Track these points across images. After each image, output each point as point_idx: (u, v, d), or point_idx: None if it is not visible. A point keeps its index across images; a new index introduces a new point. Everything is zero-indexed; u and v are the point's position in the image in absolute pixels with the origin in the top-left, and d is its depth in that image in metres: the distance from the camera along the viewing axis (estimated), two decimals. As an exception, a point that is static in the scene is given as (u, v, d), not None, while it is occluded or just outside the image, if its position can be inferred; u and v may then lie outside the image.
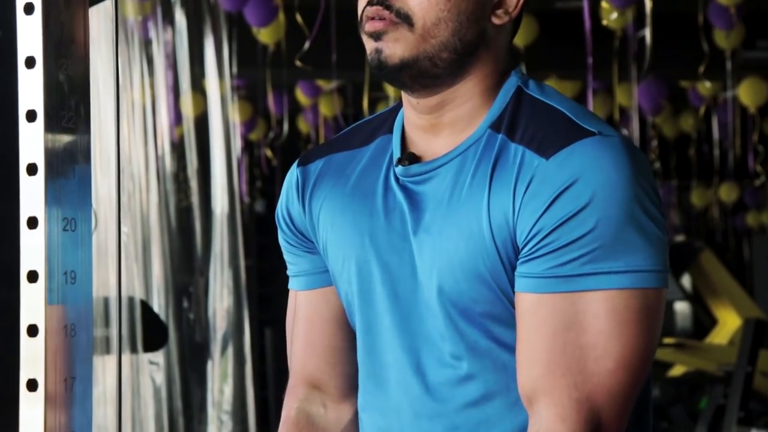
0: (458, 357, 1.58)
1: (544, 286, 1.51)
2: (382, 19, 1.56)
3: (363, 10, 1.58)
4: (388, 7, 1.56)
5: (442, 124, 1.61)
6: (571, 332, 1.50)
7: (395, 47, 1.56)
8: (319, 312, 1.73)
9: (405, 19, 1.56)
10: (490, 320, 1.56)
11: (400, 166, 1.62)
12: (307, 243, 1.72)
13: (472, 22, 1.57)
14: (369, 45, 1.58)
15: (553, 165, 1.51)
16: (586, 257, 1.49)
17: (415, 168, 1.61)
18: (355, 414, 1.73)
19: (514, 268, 1.54)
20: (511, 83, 1.61)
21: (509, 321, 1.56)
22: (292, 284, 1.77)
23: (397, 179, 1.62)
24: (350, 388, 1.73)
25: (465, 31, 1.57)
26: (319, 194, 1.69)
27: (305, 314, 1.75)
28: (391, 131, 1.68)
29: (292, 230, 1.73)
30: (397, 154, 1.64)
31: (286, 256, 1.76)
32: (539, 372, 1.50)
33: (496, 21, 1.60)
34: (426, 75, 1.57)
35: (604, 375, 1.49)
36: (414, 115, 1.63)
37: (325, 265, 1.71)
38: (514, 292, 1.54)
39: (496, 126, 1.58)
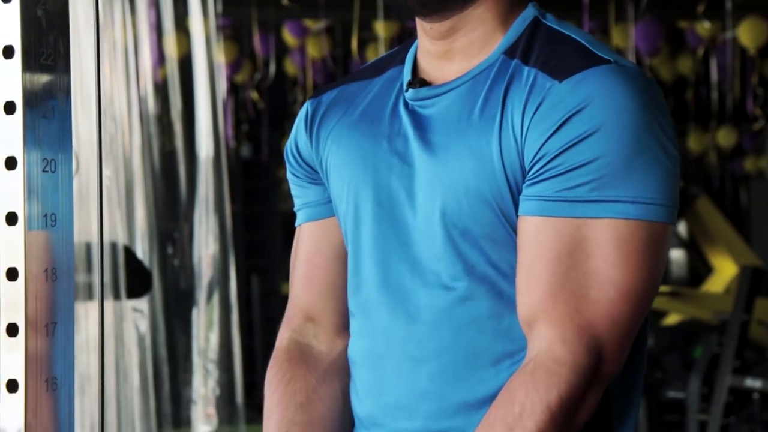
0: (456, 278, 1.59)
1: (549, 209, 1.52)
2: None
3: None
4: None
5: (454, 51, 1.63)
6: (575, 257, 1.51)
7: None
8: (319, 247, 1.76)
9: None
10: (490, 243, 1.58)
11: (410, 90, 1.65)
12: (312, 174, 1.75)
13: None
14: None
15: (566, 88, 1.53)
16: (594, 183, 1.50)
17: (424, 91, 1.63)
18: (347, 348, 1.75)
19: (519, 192, 1.55)
20: (528, 13, 1.63)
21: (509, 247, 1.57)
22: (297, 220, 1.80)
23: (405, 104, 1.65)
24: (344, 323, 1.75)
25: None
26: (328, 123, 1.72)
27: (306, 248, 1.77)
28: (403, 63, 1.70)
29: (299, 162, 1.76)
30: (407, 78, 1.67)
31: (293, 190, 1.79)
32: (541, 295, 1.52)
33: None
34: (436, 2, 1.59)
35: (606, 302, 1.51)
36: (428, 41, 1.65)
37: (328, 197, 1.73)
38: (517, 217, 1.56)
39: (510, 52, 1.60)
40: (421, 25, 1.65)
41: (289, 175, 1.79)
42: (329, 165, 1.70)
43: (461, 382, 1.60)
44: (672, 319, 8.08)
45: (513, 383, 1.53)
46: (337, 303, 1.74)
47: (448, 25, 1.62)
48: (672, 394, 7.00)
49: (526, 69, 1.57)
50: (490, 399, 1.57)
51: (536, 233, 1.53)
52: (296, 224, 1.80)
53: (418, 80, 1.65)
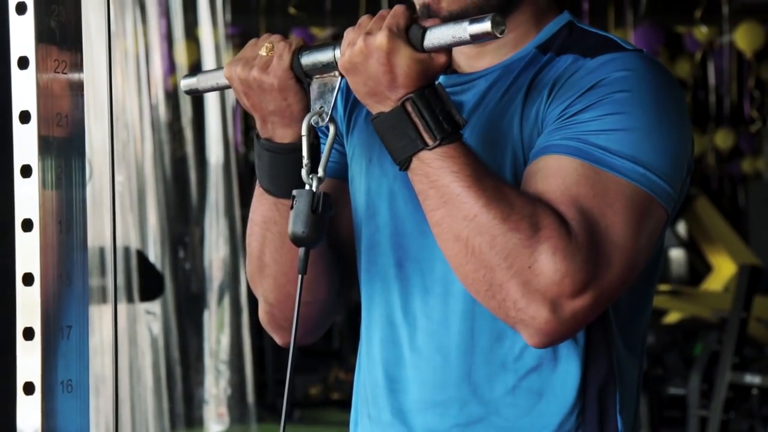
0: None
1: (560, 148, 1.50)
2: None
3: None
4: None
5: (487, 51, 1.65)
6: (585, 188, 1.49)
7: (444, 2, 1.58)
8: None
9: None
10: None
11: (441, 77, 1.63)
12: (339, 140, 1.75)
13: None
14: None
15: (597, 62, 1.55)
16: (608, 135, 1.50)
17: (455, 77, 1.65)
18: (333, 261, 1.72)
19: None
20: (563, 17, 1.66)
21: None
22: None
23: None
24: (330, 259, 1.73)
25: None
26: (361, 105, 1.70)
27: None
28: None
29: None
30: None
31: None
32: (555, 198, 1.48)
33: None
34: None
35: (611, 244, 1.48)
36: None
37: (343, 162, 1.73)
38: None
39: (543, 48, 1.62)
40: None
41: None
42: (354, 142, 1.71)
43: (468, 355, 1.59)
44: (672, 318, 8.07)
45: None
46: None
47: None
48: (673, 390, 6.98)
49: (559, 57, 1.59)
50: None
51: (543, 166, 1.51)
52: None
53: (449, 69, 1.65)
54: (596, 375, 1.59)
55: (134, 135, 5.12)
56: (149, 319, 5.23)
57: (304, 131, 1.50)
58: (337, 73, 1.50)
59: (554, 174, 1.50)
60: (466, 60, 1.67)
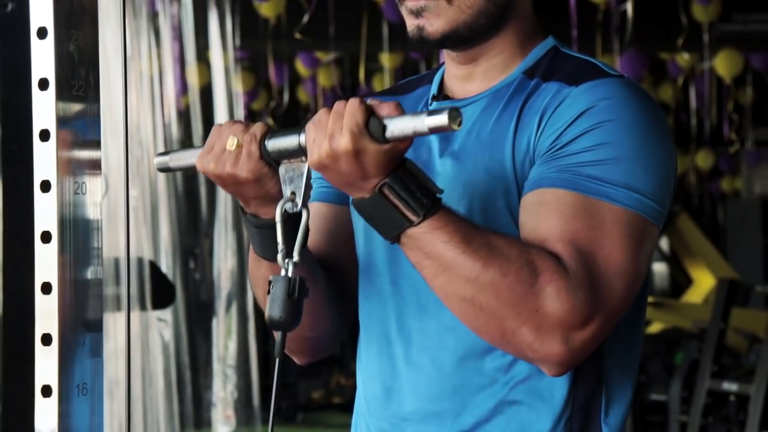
0: None
1: (555, 181, 1.50)
2: None
3: None
4: None
5: (477, 73, 1.65)
6: (580, 223, 1.48)
7: (437, 23, 1.59)
8: (321, 222, 1.72)
9: None
10: None
11: (434, 103, 1.66)
12: None
13: None
14: (410, 21, 1.61)
15: (581, 90, 1.54)
16: (599, 166, 1.49)
17: (447, 104, 1.64)
18: (333, 282, 1.71)
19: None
20: (548, 42, 1.65)
21: None
22: (311, 197, 1.74)
23: None
24: (332, 272, 1.72)
25: None
26: None
27: (312, 220, 1.74)
28: (431, 83, 1.71)
29: None
30: (433, 92, 1.68)
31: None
32: (551, 239, 1.47)
33: None
34: (465, 41, 1.61)
35: (609, 274, 1.48)
36: (453, 66, 1.67)
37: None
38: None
39: (529, 72, 1.62)
40: (448, 53, 1.67)
41: None
42: None
43: (460, 368, 1.59)
44: (655, 328, 8.06)
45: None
46: (329, 254, 1.71)
47: (472, 54, 1.64)
48: (655, 396, 6.98)
49: (546, 84, 1.59)
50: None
51: (541, 201, 1.50)
52: (309, 200, 1.79)
53: (442, 95, 1.67)
54: (583, 385, 1.58)
55: (148, 152, 5.12)
56: (161, 326, 5.22)
57: (277, 218, 1.45)
58: (304, 158, 1.45)
59: (551, 209, 1.49)
60: (457, 83, 1.67)
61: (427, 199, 1.43)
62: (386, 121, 1.39)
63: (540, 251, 1.46)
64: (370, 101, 1.43)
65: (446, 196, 1.56)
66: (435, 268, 1.46)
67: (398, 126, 1.38)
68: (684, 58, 8.70)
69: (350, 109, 1.41)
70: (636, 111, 1.53)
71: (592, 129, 1.51)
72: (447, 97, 1.66)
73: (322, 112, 1.44)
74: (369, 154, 1.40)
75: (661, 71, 9.76)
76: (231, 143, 1.48)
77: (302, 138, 1.44)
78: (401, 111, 1.41)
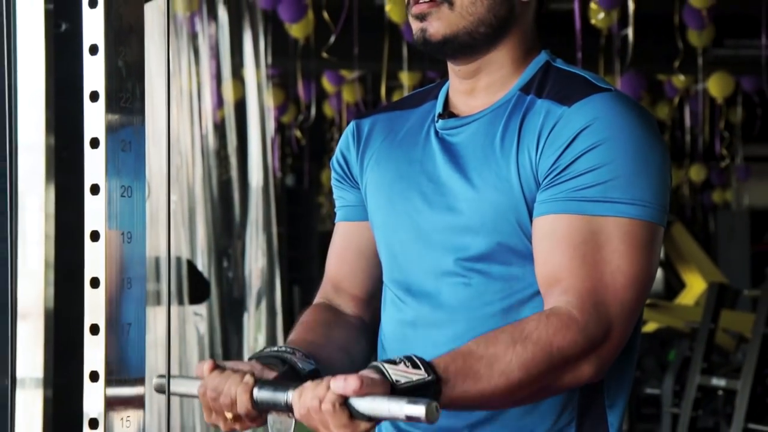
0: (478, 275, 1.58)
1: (562, 207, 1.50)
2: (426, 1, 1.59)
3: None
4: None
5: (479, 88, 1.64)
6: (589, 246, 1.49)
7: (438, 26, 1.59)
8: (350, 241, 1.75)
9: None
10: (507, 251, 1.57)
11: (440, 121, 1.65)
12: (354, 182, 1.75)
13: (504, 1, 1.60)
14: (415, 25, 1.61)
15: (574, 110, 1.53)
16: (602, 186, 1.49)
17: (452, 121, 1.64)
18: (366, 318, 1.73)
19: (534, 203, 1.54)
20: (541, 58, 1.64)
21: (523, 253, 1.56)
22: (336, 217, 1.79)
23: (436, 133, 1.65)
24: (364, 300, 1.74)
25: (498, 8, 1.60)
26: (373, 144, 1.72)
27: (340, 241, 1.77)
28: (436, 98, 1.71)
29: (345, 170, 1.76)
30: (439, 110, 1.67)
31: (336, 192, 1.79)
32: (562, 271, 1.49)
33: None
34: (465, 46, 1.60)
35: (617, 287, 1.48)
36: (457, 81, 1.66)
37: (362, 201, 1.73)
38: (531, 224, 1.54)
39: (525, 89, 1.61)
40: (452, 67, 1.66)
41: (333, 181, 1.79)
42: (369, 180, 1.71)
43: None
44: (650, 327, 8.02)
45: (527, 318, 1.49)
46: (360, 283, 1.73)
47: (473, 67, 1.63)
48: (649, 390, 6.95)
49: (539, 101, 1.57)
50: None
51: (552, 229, 1.51)
52: (335, 221, 1.79)
53: (447, 113, 1.66)
54: None
55: (186, 160, 5.13)
56: (196, 319, 5.23)
57: None
58: (291, 414, 1.41)
59: (559, 239, 1.49)
60: (461, 99, 1.66)
61: (424, 396, 1.35)
62: (367, 411, 1.35)
63: (539, 322, 1.45)
64: (348, 390, 1.34)
65: (450, 212, 1.56)
66: (478, 405, 1.48)
67: (379, 411, 1.34)
68: (679, 79, 8.67)
69: (326, 407, 1.35)
70: (628, 124, 1.52)
71: (589, 150, 1.50)
72: (452, 114, 1.65)
73: (307, 392, 1.38)
74: (361, 426, 1.36)
75: (659, 91, 9.73)
76: (229, 415, 1.46)
77: (289, 397, 1.40)
78: (374, 386, 1.35)
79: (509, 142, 1.57)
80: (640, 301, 1.52)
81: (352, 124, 1.77)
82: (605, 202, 1.49)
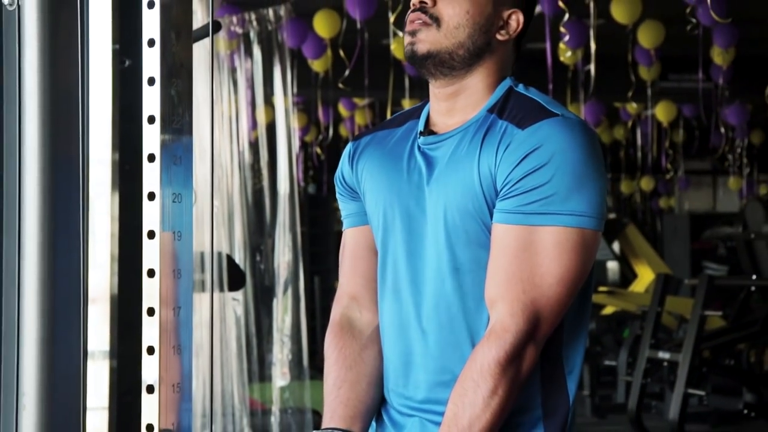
0: (451, 271, 1.58)
1: (511, 219, 1.51)
2: (419, 20, 1.59)
3: (407, 16, 1.61)
4: (425, 12, 1.59)
5: (456, 109, 1.63)
6: (526, 254, 1.49)
7: (424, 42, 1.59)
8: (359, 245, 1.72)
9: (436, 20, 1.58)
10: (475, 245, 1.56)
11: (422, 137, 1.64)
12: (354, 194, 1.73)
13: (483, 32, 1.60)
14: (406, 40, 1.61)
15: (526, 134, 1.52)
16: (543, 201, 1.49)
17: (431, 138, 1.63)
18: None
19: (494, 207, 1.54)
20: (505, 83, 1.63)
21: (488, 246, 1.55)
22: (344, 226, 1.76)
23: (419, 147, 1.64)
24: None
25: (477, 37, 1.59)
26: (364, 158, 1.70)
27: (350, 247, 1.74)
28: (419, 117, 1.69)
29: (344, 185, 1.74)
30: (421, 128, 1.66)
31: (340, 204, 1.77)
32: (500, 282, 1.51)
33: (500, 37, 1.62)
34: (444, 65, 1.59)
35: (545, 287, 1.49)
36: (436, 102, 1.65)
37: (364, 209, 1.71)
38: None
39: (491, 110, 1.60)
40: (432, 90, 1.65)
41: (337, 195, 1.77)
42: (365, 189, 1.69)
43: (452, 347, 1.59)
44: (608, 310, 8.03)
45: (476, 347, 1.51)
46: (373, 290, 1.70)
47: (451, 90, 1.62)
48: (607, 362, 6.95)
49: (500, 121, 1.56)
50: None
51: (501, 237, 1.51)
52: (343, 229, 1.77)
53: (427, 130, 1.65)
54: (546, 353, 1.57)
55: (226, 172, 5.14)
56: (234, 304, 5.23)
57: None
58: None
59: (505, 245, 1.51)
60: (440, 118, 1.64)
61: None
62: None
63: (485, 351, 1.49)
64: None
65: (434, 209, 1.57)
66: None
67: None
68: (632, 106, 8.68)
69: None
70: (570, 147, 1.50)
71: (535, 170, 1.49)
72: (431, 132, 1.63)
73: None
74: None
75: (615, 116, 9.73)
76: None
77: None
78: None
79: (472, 154, 1.56)
80: (570, 294, 1.51)
81: (349, 145, 1.75)
82: (545, 214, 1.49)
